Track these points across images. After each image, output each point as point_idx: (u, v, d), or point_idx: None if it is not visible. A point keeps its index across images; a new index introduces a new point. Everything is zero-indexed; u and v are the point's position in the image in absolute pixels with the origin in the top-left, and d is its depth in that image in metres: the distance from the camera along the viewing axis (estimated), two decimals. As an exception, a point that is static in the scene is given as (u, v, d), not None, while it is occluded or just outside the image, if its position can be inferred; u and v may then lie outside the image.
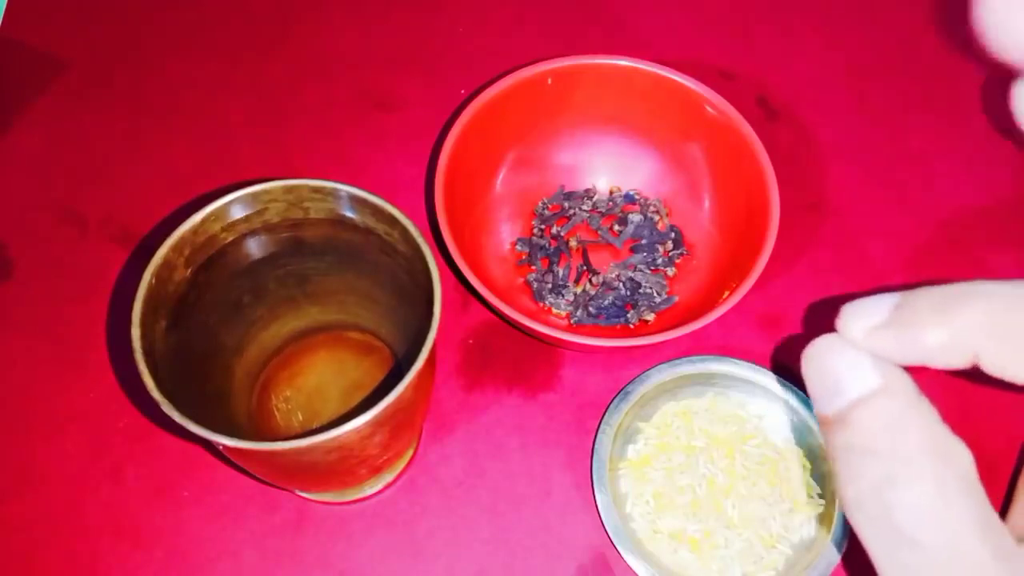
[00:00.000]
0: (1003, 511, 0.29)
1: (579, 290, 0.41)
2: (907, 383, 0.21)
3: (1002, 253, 0.43)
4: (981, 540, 0.19)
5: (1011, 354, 0.20)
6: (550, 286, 0.41)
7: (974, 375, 0.20)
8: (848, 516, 0.20)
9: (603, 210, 0.43)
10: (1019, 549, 0.19)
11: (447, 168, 0.37)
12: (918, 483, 0.19)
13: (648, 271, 0.41)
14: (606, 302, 0.40)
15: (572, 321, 0.41)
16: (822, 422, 0.22)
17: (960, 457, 0.20)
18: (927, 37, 0.41)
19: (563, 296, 0.41)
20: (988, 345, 0.20)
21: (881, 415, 0.20)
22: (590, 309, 0.40)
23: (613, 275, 0.41)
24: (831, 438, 0.21)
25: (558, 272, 0.41)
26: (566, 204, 0.43)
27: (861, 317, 0.21)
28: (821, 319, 0.41)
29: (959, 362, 0.20)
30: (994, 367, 0.20)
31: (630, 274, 0.41)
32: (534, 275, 0.41)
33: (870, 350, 0.21)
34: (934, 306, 0.20)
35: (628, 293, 0.41)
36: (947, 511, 0.19)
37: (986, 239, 0.44)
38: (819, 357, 0.22)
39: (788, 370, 0.39)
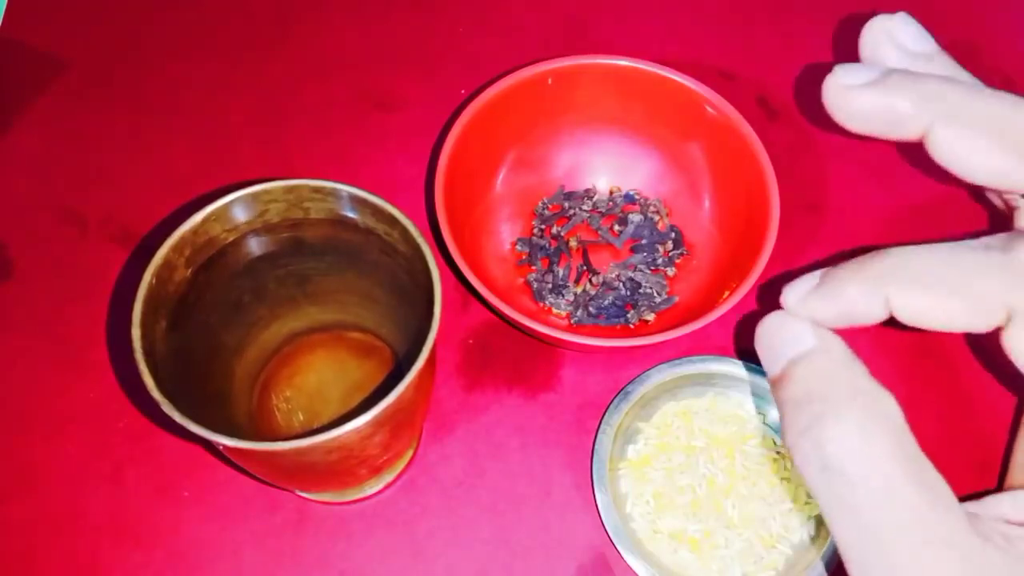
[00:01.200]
0: (1001, 477, 0.29)
1: (579, 290, 0.41)
2: (839, 343, 0.23)
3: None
4: (904, 472, 0.21)
5: (917, 298, 0.23)
6: (550, 286, 0.41)
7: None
8: (795, 464, 0.22)
9: (603, 210, 0.43)
10: (944, 488, 0.21)
11: (447, 168, 0.37)
12: (843, 421, 0.21)
13: (648, 271, 0.41)
14: (606, 302, 0.40)
15: (572, 321, 0.41)
16: (771, 385, 0.24)
17: (885, 403, 0.22)
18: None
19: (563, 296, 0.41)
20: (897, 291, 0.23)
21: (814, 369, 0.23)
22: (590, 309, 0.40)
23: (613, 275, 0.41)
24: (777, 396, 0.24)
25: (558, 272, 0.41)
26: (566, 204, 0.43)
27: (795, 288, 0.24)
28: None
29: (877, 311, 0.23)
30: (904, 311, 0.23)
31: (630, 274, 0.41)
32: (534, 275, 0.41)
33: (805, 315, 0.24)
34: (851, 268, 0.24)
35: (628, 293, 0.41)
36: (869, 446, 0.21)
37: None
38: (766, 329, 0.25)
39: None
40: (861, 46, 0.26)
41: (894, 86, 0.24)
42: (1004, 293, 0.22)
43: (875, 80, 0.24)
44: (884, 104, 0.24)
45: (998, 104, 0.23)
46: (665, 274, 0.41)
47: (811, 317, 0.24)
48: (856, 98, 0.24)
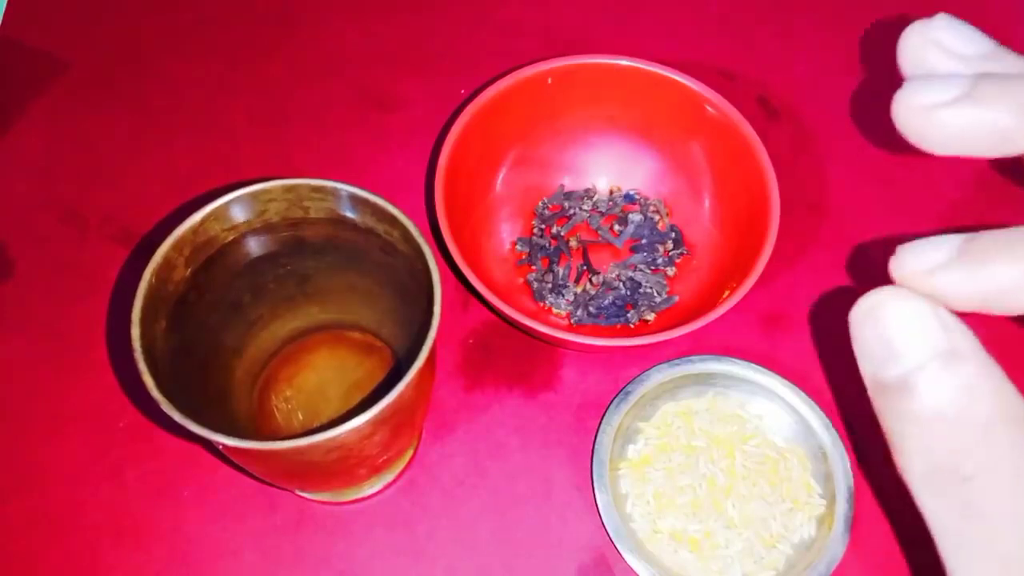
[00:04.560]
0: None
1: (579, 290, 0.41)
2: (975, 342, 0.18)
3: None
4: None
5: None
6: (550, 286, 0.41)
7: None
8: (914, 490, 0.18)
9: (603, 210, 0.43)
10: None
11: (447, 168, 0.37)
12: (996, 452, 0.17)
13: (648, 271, 0.41)
14: (606, 302, 0.40)
15: (572, 321, 0.41)
16: (876, 386, 0.19)
17: None
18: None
19: (563, 296, 0.41)
20: None
21: (951, 380, 0.18)
22: (590, 309, 0.40)
23: (613, 275, 0.41)
24: (889, 405, 0.19)
25: (558, 272, 0.41)
26: (566, 204, 0.43)
27: (922, 254, 0.19)
28: (821, 319, 0.41)
29: None
30: None
31: (630, 274, 0.41)
32: (534, 275, 0.41)
33: (932, 292, 0.19)
34: (1005, 242, 0.18)
35: (628, 293, 0.41)
36: None
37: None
38: (874, 313, 0.19)
39: (788, 370, 0.38)
40: (902, 60, 0.22)
41: (988, 98, 0.19)
42: None
43: (961, 94, 0.19)
44: (981, 121, 0.19)
45: None
46: (665, 274, 0.41)
47: (938, 296, 0.19)
48: (945, 120, 0.20)
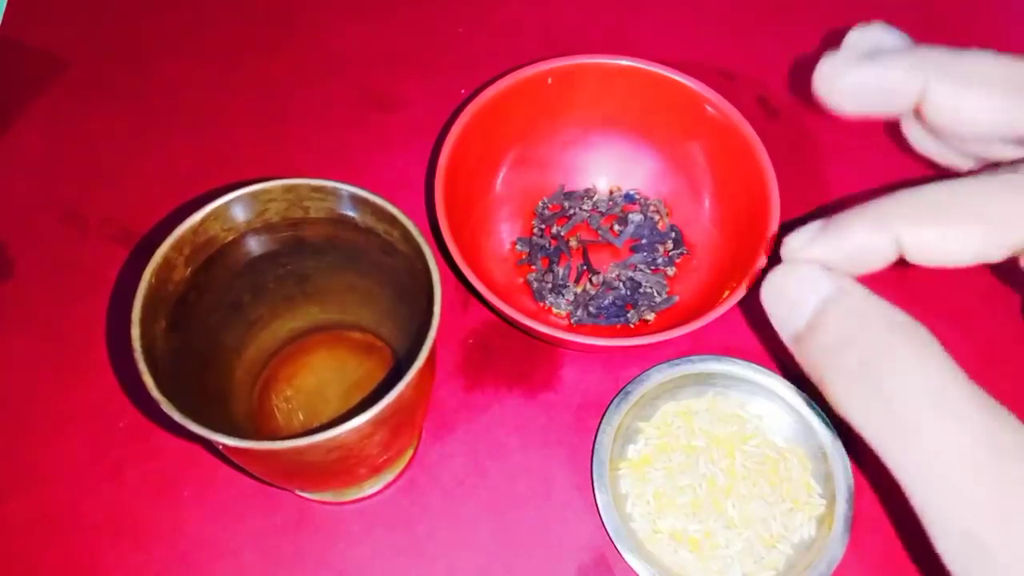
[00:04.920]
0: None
1: (579, 290, 0.41)
2: (855, 283, 0.23)
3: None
4: (968, 397, 0.20)
5: (929, 229, 0.22)
6: (550, 286, 0.41)
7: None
8: (845, 414, 0.21)
9: (603, 210, 0.43)
10: (1005, 410, 0.20)
11: (447, 168, 0.37)
12: (896, 356, 0.21)
13: (648, 271, 0.41)
14: (606, 302, 0.40)
15: (572, 321, 0.41)
16: (794, 344, 0.23)
17: (924, 332, 0.21)
18: (927, 37, 0.41)
19: (563, 296, 0.41)
20: (907, 225, 0.22)
21: (844, 310, 0.22)
22: (590, 309, 0.40)
23: (613, 275, 0.41)
24: (805, 351, 0.23)
25: (558, 272, 0.41)
26: (566, 204, 0.43)
27: (797, 236, 0.24)
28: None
29: (887, 250, 0.23)
30: (916, 247, 0.22)
31: (630, 274, 0.41)
32: (534, 275, 0.41)
33: (809, 259, 0.23)
34: (857, 209, 0.23)
35: (628, 293, 0.41)
36: (927, 377, 0.20)
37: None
38: (775, 285, 0.24)
39: (788, 370, 0.39)
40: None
41: (882, 59, 0.25)
42: (1020, 209, 0.22)
43: (862, 58, 0.25)
44: (875, 75, 0.24)
45: (983, 57, 0.24)
46: (665, 274, 0.41)
47: (816, 261, 0.23)
48: (846, 75, 0.25)
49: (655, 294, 0.41)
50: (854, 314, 0.22)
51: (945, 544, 0.20)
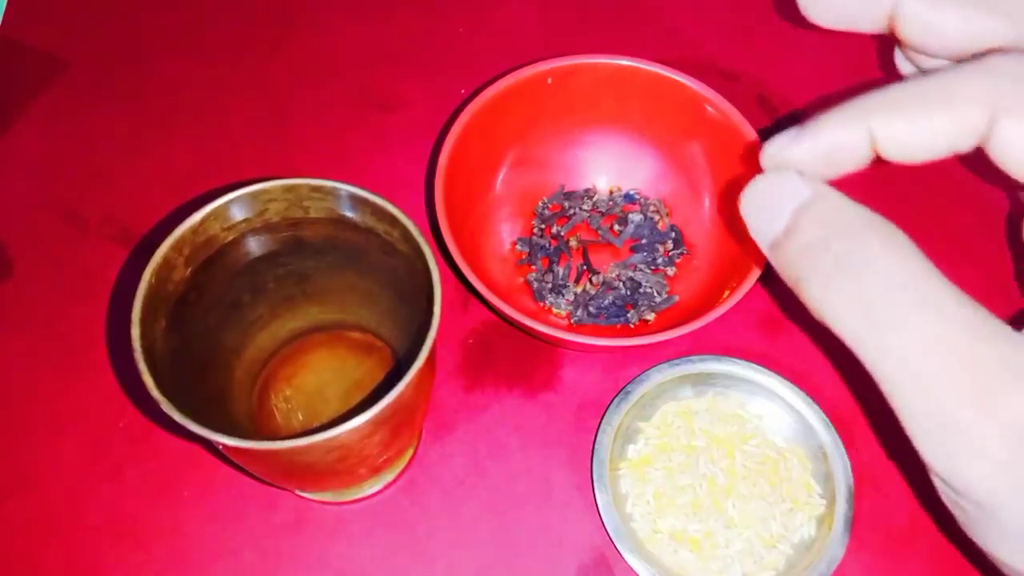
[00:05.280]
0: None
1: (579, 290, 0.41)
2: (832, 188, 0.24)
3: (1002, 249, 0.43)
4: (944, 288, 0.21)
5: (900, 123, 0.23)
6: (550, 286, 0.41)
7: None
8: (821, 313, 0.23)
9: (603, 210, 0.43)
10: (978, 304, 0.21)
11: (447, 168, 0.37)
12: (873, 251, 0.22)
13: (648, 271, 0.41)
14: (606, 302, 0.40)
15: (572, 321, 0.40)
16: (772, 250, 0.24)
17: (897, 231, 0.22)
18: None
19: (563, 296, 0.41)
20: (880, 120, 0.23)
21: (821, 211, 0.23)
22: (590, 309, 0.40)
23: (613, 275, 0.41)
24: (782, 255, 0.24)
25: (558, 272, 0.41)
26: (566, 204, 0.43)
27: (775, 141, 0.25)
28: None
29: (861, 148, 0.24)
30: (889, 142, 0.24)
31: (630, 274, 0.41)
32: (534, 275, 0.41)
33: (787, 162, 0.25)
34: (831, 111, 0.25)
35: (628, 293, 0.41)
36: (905, 269, 0.21)
37: (984, 236, 0.44)
38: (754, 193, 0.25)
39: (788, 370, 0.38)
40: None
41: None
42: (985, 92, 0.22)
43: None
44: None
45: None
46: (665, 274, 0.41)
47: (794, 164, 0.25)
48: None
49: (655, 294, 0.41)
50: (830, 215, 0.23)
51: (920, 427, 0.21)
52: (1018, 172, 0.23)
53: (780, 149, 0.25)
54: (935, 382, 0.21)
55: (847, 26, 0.28)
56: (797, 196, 0.24)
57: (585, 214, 0.43)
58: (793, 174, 0.24)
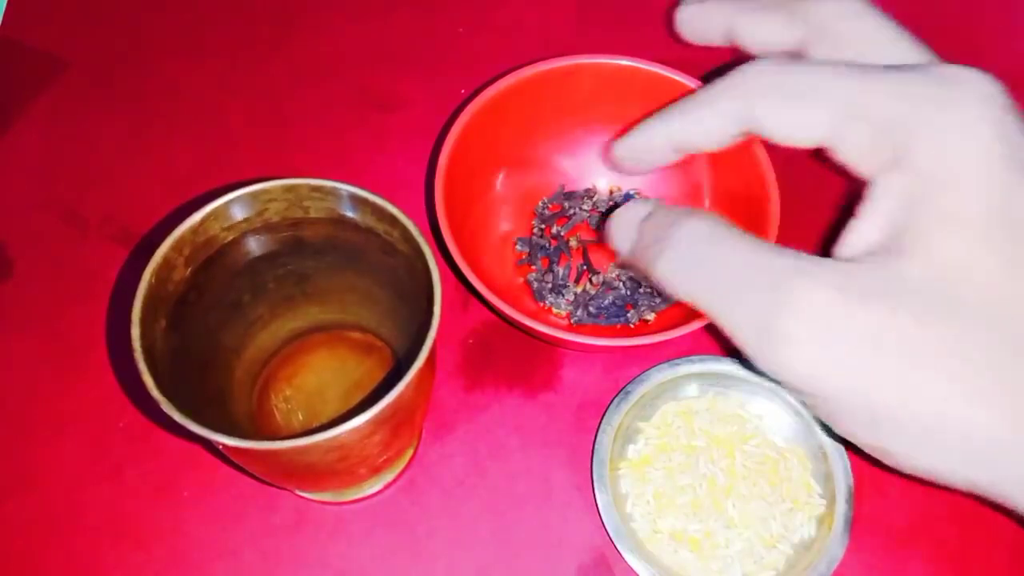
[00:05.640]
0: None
1: (579, 290, 0.41)
2: (664, 205, 0.32)
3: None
4: (747, 236, 0.28)
5: (685, 125, 0.33)
6: (550, 286, 0.41)
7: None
8: (676, 294, 0.29)
9: (603, 210, 0.43)
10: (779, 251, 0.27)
11: (447, 168, 0.37)
12: (689, 220, 0.29)
13: None
14: (606, 302, 0.40)
15: (572, 321, 0.40)
16: (628, 258, 0.32)
17: (709, 212, 0.30)
18: (926, 37, 0.41)
19: (563, 296, 0.41)
20: (675, 125, 0.33)
21: (655, 219, 0.31)
22: (590, 309, 0.40)
23: (613, 275, 0.41)
24: (635, 258, 0.31)
25: (558, 272, 0.41)
26: (566, 204, 0.43)
27: (617, 143, 0.37)
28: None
29: (665, 146, 0.35)
30: (682, 139, 0.33)
31: (630, 274, 0.41)
32: (534, 275, 0.41)
33: (632, 153, 0.37)
34: (658, 116, 0.35)
35: (628, 293, 0.41)
36: (714, 229, 0.29)
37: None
38: (613, 222, 0.33)
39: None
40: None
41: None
42: (737, 91, 0.31)
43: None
44: (708, 11, 0.36)
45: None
46: None
47: (637, 152, 0.36)
48: (683, 11, 0.37)
49: (655, 294, 0.41)
50: (662, 218, 0.31)
51: (745, 337, 0.27)
52: (848, 163, 0.30)
53: (645, 133, 0.35)
54: (739, 296, 0.27)
55: (704, 42, 0.36)
56: (639, 214, 0.32)
57: (585, 214, 0.43)
58: (639, 201, 0.33)
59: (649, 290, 0.41)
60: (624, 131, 0.38)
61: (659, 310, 0.40)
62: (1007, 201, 0.26)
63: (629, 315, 0.40)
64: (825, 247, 0.30)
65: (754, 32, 0.34)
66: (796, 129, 0.30)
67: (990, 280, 0.25)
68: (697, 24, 0.36)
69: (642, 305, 0.40)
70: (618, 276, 0.41)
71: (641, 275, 0.31)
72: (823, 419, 0.27)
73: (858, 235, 0.28)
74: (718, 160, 0.40)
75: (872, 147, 0.28)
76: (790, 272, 0.26)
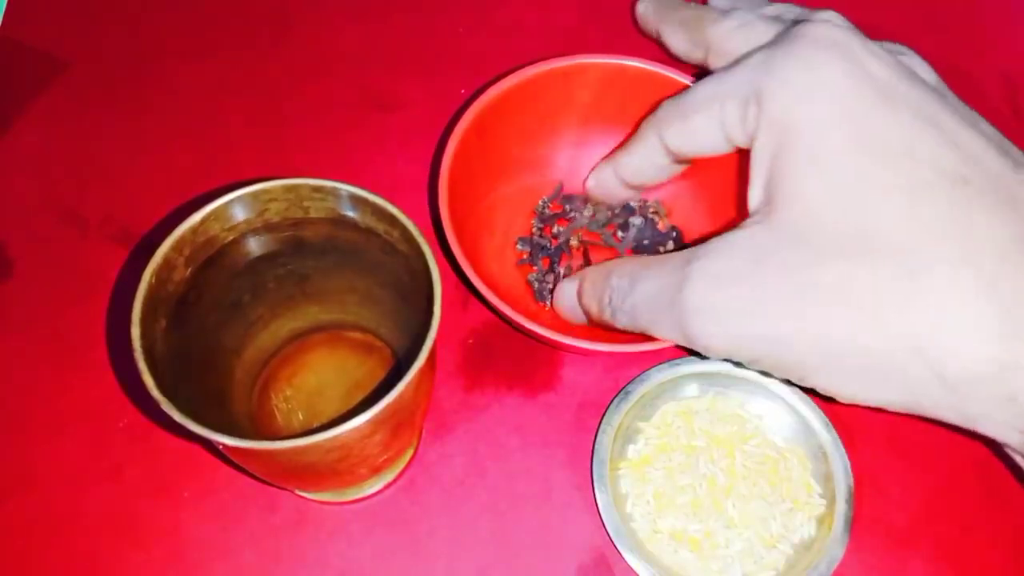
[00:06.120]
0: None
1: None
2: (589, 269, 0.36)
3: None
4: (651, 261, 0.32)
5: (679, 130, 0.34)
6: (551, 286, 0.41)
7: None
8: (631, 328, 0.32)
9: (603, 219, 0.43)
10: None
11: (451, 168, 0.37)
12: (613, 277, 0.33)
13: None
14: None
15: None
16: (580, 323, 0.37)
17: (619, 260, 0.34)
18: (926, 36, 0.41)
19: None
20: (667, 132, 0.35)
21: (584, 290, 0.35)
22: None
23: None
24: (590, 319, 0.36)
25: (559, 272, 0.41)
26: (567, 207, 0.43)
27: (596, 172, 0.42)
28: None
29: (661, 158, 0.36)
30: (677, 147, 0.35)
31: None
32: (535, 275, 0.41)
33: (611, 181, 0.40)
34: (635, 133, 0.38)
35: None
36: (626, 266, 0.33)
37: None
38: (556, 301, 0.38)
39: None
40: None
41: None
42: (729, 90, 0.31)
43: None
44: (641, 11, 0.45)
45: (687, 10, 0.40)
46: None
47: (618, 180, 0.39)
48: (639, 6, 0.45)
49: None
50: (592, 289, 0.34)
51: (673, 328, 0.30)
52: (742, 144, 0.32)
53: (601, 172, 0.40)
54: (661, 310, 0.30)
55: (652, 38, 0.42)
56: (573, 287, 0.36)
57: (585, 220, 0.43)
58: (566, 283, 0.37)
59: None
60: (625, 137, 0.38)
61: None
62: (866, 130, 0.27)
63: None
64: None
65: (671, 45, 0.41)
66: (698, 139, 0.33)
67: (846, 211, 0.26)
68: (642, 24, 0.44)
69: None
70: None
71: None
72: (769, 374, 0.29)
73: (749, 203, 0.30)
74: (718, 160, 0.40)
75: (742, 120, 0.30)
76: (682, 263, 0.29)
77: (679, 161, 0.36)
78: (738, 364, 0.30)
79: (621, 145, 0.38)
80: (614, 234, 0.43)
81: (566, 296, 0.37)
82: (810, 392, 0.38)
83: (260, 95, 0.47)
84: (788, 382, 0.36)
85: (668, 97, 0.35)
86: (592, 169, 0.41)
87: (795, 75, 0.28)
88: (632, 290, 0.31)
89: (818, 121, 0.27)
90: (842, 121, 0.27)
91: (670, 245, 0.42)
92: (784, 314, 0.27)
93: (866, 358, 0.26)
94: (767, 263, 0.27)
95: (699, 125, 0.32)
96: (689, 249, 0.30)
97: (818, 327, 0.26)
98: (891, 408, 0.28)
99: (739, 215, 0.39)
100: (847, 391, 0.28)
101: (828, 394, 0.28)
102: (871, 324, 0.25)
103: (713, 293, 0.28)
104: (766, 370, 0.29)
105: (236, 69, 0.48)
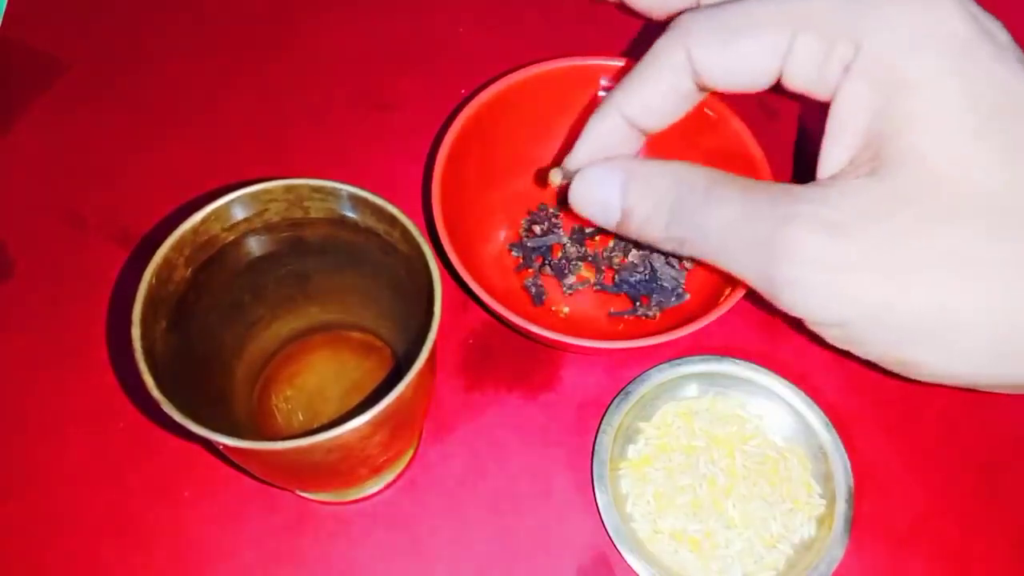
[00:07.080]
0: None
1: (600, 252, 0.40)
2: (637, 160, 0.31)
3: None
4: (726, 178, 0.28)
5: (718, 51, 0.29)
6: (552, 277, 0.41)
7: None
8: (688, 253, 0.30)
9: (579, 237, 0.42)
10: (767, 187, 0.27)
11: (444, 169, 0.37)
12: (677, 199, 0.29)
13: (668, 264, 0.40)
14: (634, 278, 0.40)
15: (595, 287, 0.40)
16: (616, 228, 0.31)
17: (696, 165, 0.29)
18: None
19: (572, 274, 0.40)
20: (700, 50, 0.29)
21: (639, 190, 0.30)
22: (615, 278, 0.40)
23: (636, 259, 0.41)
24: (629, 230, 0.31)
25: (553, 262, 0.41)
26: (545, 225, 0.42)
27: (612, 95, 0.33)
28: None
29: (686, 82, 0.31)
30: (709, 73, 0.29)
31: (651, 259, 0.40)
32: (531, 280, 0.41)
33: (630, 104, 0.32)
34: (653, 46, 0.32)
35: (647, 280, 0.40)
36: (718, 186, 0.28)
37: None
38: (579, 193, 0.32)
39: (788, 370, 0.38)
40: None
41: None
42: (780, 15, 0.27)
43: None
44: None
45: None
46: (685, 269, 0.40)
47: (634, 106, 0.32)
48: None
49: (670, 289, 0.40)
50: (646, 188, 0.30)
51: (768, 285, 0.27)
52: (807, 87, 0.28)
53: (599, 123, 0.33)
54: (744, 248, 0.27)
55: (660, 14, 0.35)
56: (616, 182, 0.30)
57: (561, 236, 0.42)
58: (604, 165, 0.31)
59: (664, 284, 0.40)
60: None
61: (667, 307, 0.40)
62: (985, 86, 0.24)
63: (644, 307, 0.40)
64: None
65: None
66: (741, 68, 0.28)
67: (989, 174, 0.24)
68: None
69: (655, 299, 0.40)
70: (642, 259, 0.41)
71: (639, 245, 0.32)
72: (846, 346, 0.27)
73: (834, 158, 0.27)
74: (718, 161, 0.40)
75: (824, 60, 0.26)
76: (785, 198, 0.26)
77: (703, 90, 0.31)
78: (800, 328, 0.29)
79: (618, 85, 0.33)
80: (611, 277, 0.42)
81: (599, 185, 0.31)
82: (810, 391, 0.38)
83: (260, 95, 0.47)
84: (847, 353, 0.30)
85: (688, 9, 0.31)
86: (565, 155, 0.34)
87: (908, 18, 0.25)
88: (704, 208, 0.27)
89: (937, 74, 0.24)
90: (963, 74, 0.24)
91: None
92: (899, 278, 0.24)
93: (987, 332, 0.24)
94: (884, 220, 0.24)
95: (748, 51, 0.27)
96: (784, 185, 0.27)
97: (934, 295, 0.24)
98: (984, 388, 0.26)
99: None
100: (949, 368, 0.25)
101: (904, 370, 0.26)
102: (997, 300, 0.23)
103: (822, 242, 0.25)
104: (841, 337, 0.26)
105: (236, 69, 0.48)
